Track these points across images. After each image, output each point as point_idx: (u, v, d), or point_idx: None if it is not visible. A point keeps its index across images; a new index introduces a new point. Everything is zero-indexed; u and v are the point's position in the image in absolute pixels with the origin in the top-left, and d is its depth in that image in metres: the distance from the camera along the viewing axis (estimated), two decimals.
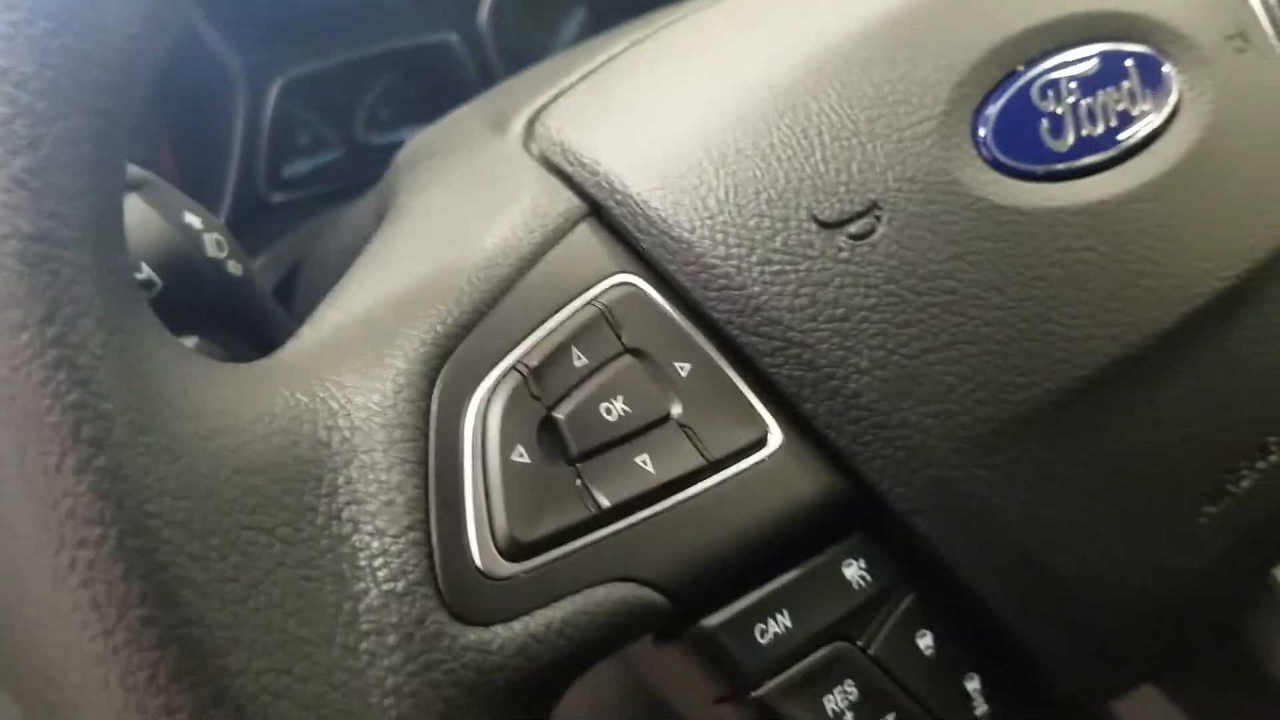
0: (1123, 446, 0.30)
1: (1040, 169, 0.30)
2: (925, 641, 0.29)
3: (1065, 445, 0.29)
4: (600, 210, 0.28)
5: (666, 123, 0.29)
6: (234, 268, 0.34)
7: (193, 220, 0.34)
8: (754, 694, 0.26)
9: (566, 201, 0.27)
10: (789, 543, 0.27)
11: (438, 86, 0.69)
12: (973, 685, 0.29)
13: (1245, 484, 0.33)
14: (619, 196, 0.27)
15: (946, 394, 0.28)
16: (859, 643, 0.27)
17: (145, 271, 0.31)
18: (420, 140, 0.36)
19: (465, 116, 0.36)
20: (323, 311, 0.26)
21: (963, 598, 0.29)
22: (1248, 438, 0.33)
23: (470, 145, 0.32)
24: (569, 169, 0.28)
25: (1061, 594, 0.29)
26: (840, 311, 0.27)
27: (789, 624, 0.26)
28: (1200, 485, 0.32)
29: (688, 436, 0.25)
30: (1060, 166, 0.31)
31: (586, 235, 0.27)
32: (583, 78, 0.33)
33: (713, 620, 0.25)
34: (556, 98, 0.32)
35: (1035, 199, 0.30)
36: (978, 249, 0.29)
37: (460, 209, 0.28)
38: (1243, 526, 0.33)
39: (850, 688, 0.27)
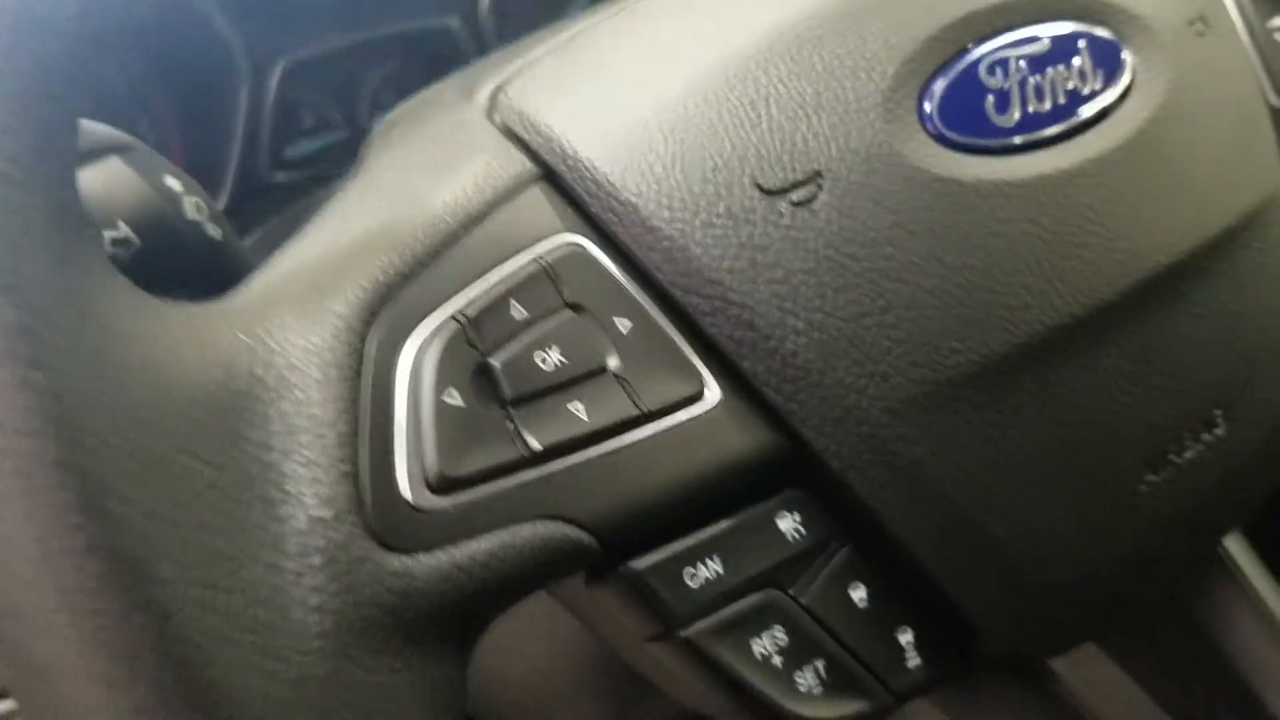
0: (1059, 413, 0.31)
1: (983, 143, 0.31)
2: (859, 594, 0.30)
3: (1000, 410, 0.30)
4: (553, 175, 0.29)
5: (621, 92, 0.31)
6: (213, 230, 0.36)
7: (173, 183, 0.35)
8: (681, 634, 0.27)
9: (519, 165, 0.29)
10: (725, 494, 0.28)
11: (439, 70, 0.70)
12: (906, 638, 0.30)
13: (1189, 455, 0.34)
14: (570, 161, 0.28)
15: (881, 356, 0.29)
16: (790, 591, 0.29)
17: (123, 230, 0.32)
18: (398, 111, 0.38)
19: (442, 88, 0.38)
20: (273, 260, 0.27)
21: (898, 555, 0.30)
22: (1192, 410, 0.34)
23: (438, 113, 0.33)
24: (524, 135, 0.30)
25: (995, 555, 0.30)
26: (779, 274, 0.28)
27: (720, 570, 0.27)
28: (1140, 454, 0.32)
29: (623, 388, 0.26)
30: (1004, 141, 0.32)
31: (537, 198, 0.28)
32: (549, 51, 0.34)
33: (641, 562, 0.26)
34: (522, 69, 0.33)
35: (977, 172, 0.31)
36: (916, 218, 0.30)
37: (416, 169, 0.30)
38: (1186, 497, 0.34)
39: (780, 633, 0.28)
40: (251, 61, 0.64)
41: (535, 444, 0.25)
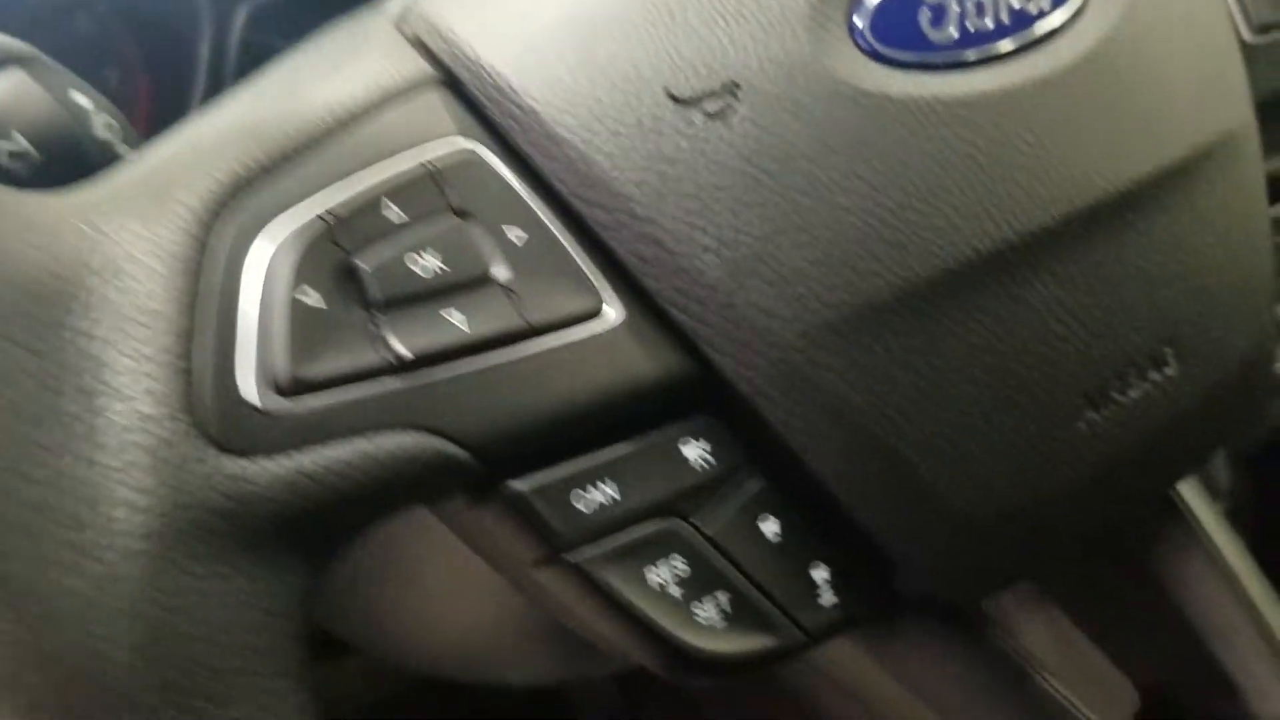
0: (989, 343, 0.29)
1: (917, 59, 0.30)
2: (770, 527, 0.28)
3: (922, 337, 0.28)
4: (455, 82, 0.28)
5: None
6: (124, 150, 0.34)
7: (81, 100, 0.34)
8: (568, 558, 0.26)
9: (414, 66, 0.27)
10: (626, 417, 0.27)
11: None
12: (820, 575, 0.29)
13: (1134, 393, 0.32)
14: (470, 65, 0.27)
15: (796, 277, 0.27)
16: (694, 520, 0.27)
17: (19, 142, 0.31)
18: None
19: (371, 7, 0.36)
20: (132, 157, 0.26)
21: (813, 487, 0.28)
22: (1138, 346, 0.32)
23: (350, 24, 0.32)
24: (428, 40, 0.28)
25: (914, 488, 0.29)
26: (689, 189, 0.27)
27: (615, 495, 0.26)
28: (1079, 390, 0.31)
29: (509, 300, 0.25)
30: (939, 58, 0.30)
31: (432, 101, 0.27)
32: None
33: (525, 482, 0.25)
34: None
35: (907, 88, 0.29)
36: (839, 134, 0.28)
37: (304, 70, 0.28)
38: (1130, 437, 0.32)
39: (679, 563, 0.27)
40: (214, 6, 0.63)
41: (402, 350, 0.23)
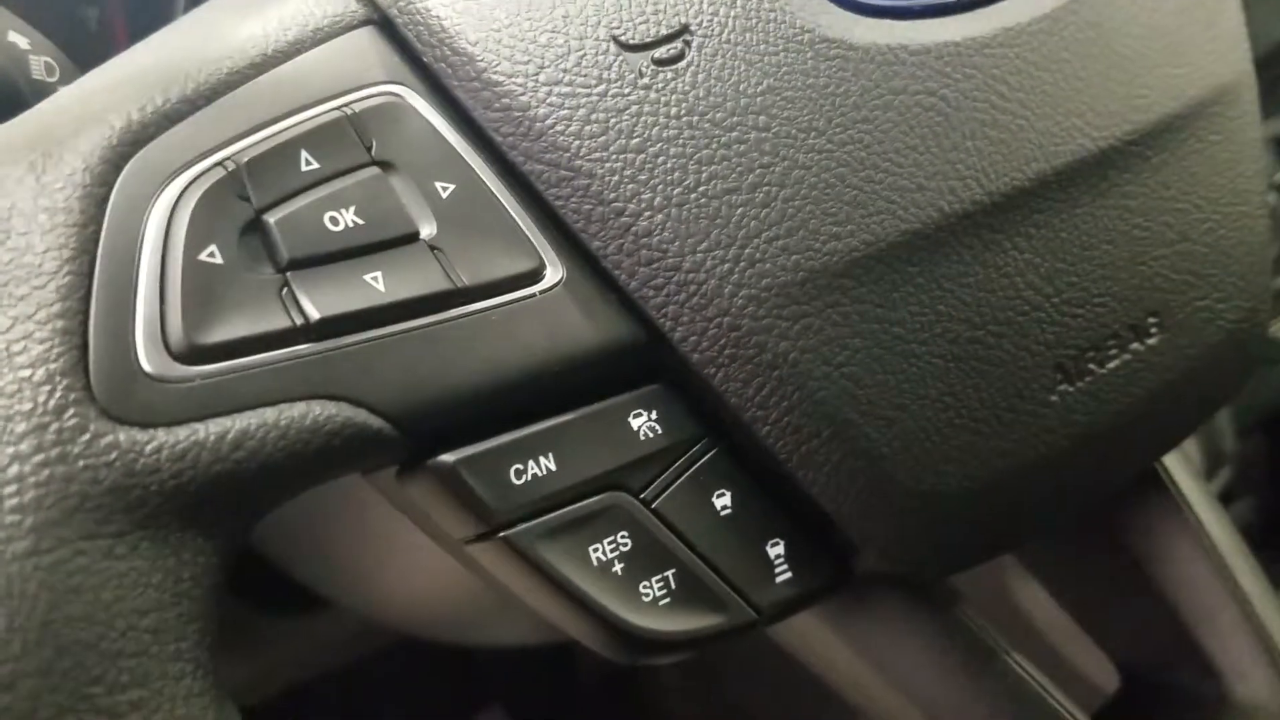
0: (954, 310, 0.28)
1: (883, 3, 0.28)
2: (723, 501, 0.27)
3: (882, 304, 0.27)
4: (386, 23, 0.26)
5: None
6: None
7: (18, 40, 0.32)
8: (503, 535, 0.24)
9: (342, 5, 0.25)
10: (567, 387, 0.25)
11: None
12: (776, 551, 0.27)
13: (1113, 364, 0.31)
14: (402, 3, 0.25)
15: (749, 238, 0.26)
16: (642, 495, 0.26)
17: None
18: None
19: None
20: (40, 104, 0.24)
21: (769, 462, 0.27)
22: (1118, 315, 0.30)
23: None
24: None
25: (870, 461, 0.27)
26: (635, 142, 0.25)
27: (552, 467, 0.25)
28: (1051, 360, 0.29)
29: (437, 259, 0.23)
30: (907, 3, 0.28)
31: (359, 44, 0.25)
32: None
33: (453, 455, 0.24)
34: None
35: (872, 35, 0.27)
36: (796, 83, 0.26)
37: (229, 11, 0.26)
38: (1107, 410, 0.31)
39: (624, 539, 0.25)
40: None
41: (314, 312, 0.22)
